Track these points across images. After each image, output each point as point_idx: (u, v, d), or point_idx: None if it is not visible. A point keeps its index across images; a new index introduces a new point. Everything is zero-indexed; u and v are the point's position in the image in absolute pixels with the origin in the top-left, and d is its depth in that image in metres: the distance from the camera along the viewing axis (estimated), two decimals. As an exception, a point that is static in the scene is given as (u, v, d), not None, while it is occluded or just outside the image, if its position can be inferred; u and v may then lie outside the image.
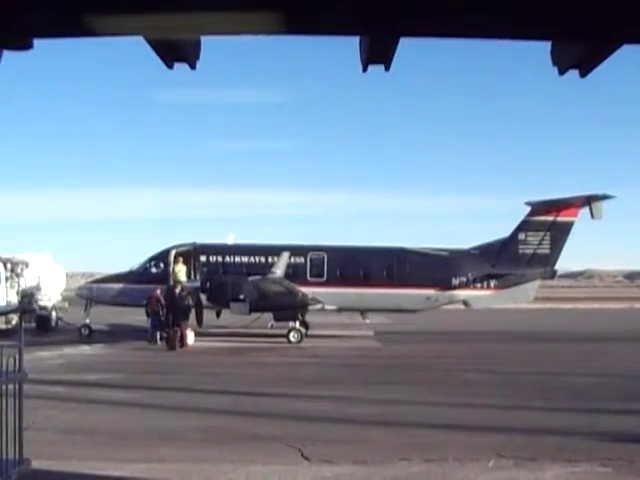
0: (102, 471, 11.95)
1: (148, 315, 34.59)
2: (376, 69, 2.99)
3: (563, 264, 40.14)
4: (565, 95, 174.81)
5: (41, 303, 40.54)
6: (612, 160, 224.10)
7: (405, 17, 2.51)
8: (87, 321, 37.20)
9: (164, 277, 35.72)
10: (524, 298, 39.62)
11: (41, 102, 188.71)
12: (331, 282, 36.72)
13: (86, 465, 12.21)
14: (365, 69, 2.99)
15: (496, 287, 37.59)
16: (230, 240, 39.61)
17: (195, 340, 34.48)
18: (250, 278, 34.24)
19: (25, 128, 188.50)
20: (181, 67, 3.00)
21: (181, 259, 36.79)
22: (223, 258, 37.61)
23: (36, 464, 10.87)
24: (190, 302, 34.33)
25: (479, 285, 37.50)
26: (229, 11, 2.50)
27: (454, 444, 14.09)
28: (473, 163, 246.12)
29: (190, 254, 37.30)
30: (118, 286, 37.05)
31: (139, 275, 37.10)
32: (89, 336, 36.31)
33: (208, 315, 36.81)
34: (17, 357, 10.38)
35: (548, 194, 40.21)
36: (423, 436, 14.92)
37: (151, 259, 37.55)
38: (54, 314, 41.75)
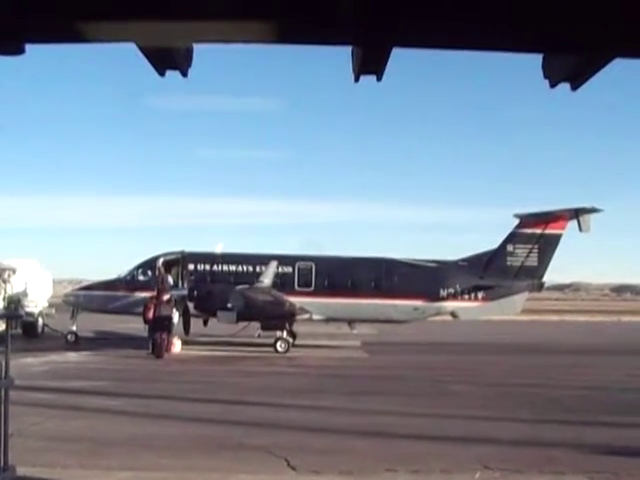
0: (87, 479, 11.91)
1: (146, 322, 34.16)
2: (368, 79, 2.99)
3: (550, 276, 40.28)
4: (555, 107, 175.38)
5: (28, 309, 40.26)
6: (601, 173, 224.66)
7: (398, 28, 2.52)
8: (73, 328, 37.02)
9: (152, 285, 35.59)
10: (512, 310, 39.67)
11: (27, 105, 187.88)
12: (319, 292, 36.69)
13: (71, 473, 12.18)
14: (357, 79, 2.99)
15: (484, 299, 37.61)
16: (218, 249, 39.55)
17: (182, 348, 34.44)
18: (238, 287, 34.17)
19: (13, 133, 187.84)
20: (173, 74, 3.00)
21: (169, 267, 36.76)
22: (211, 267, 37.55)
23: (21, 471, 10.81)
24: (175, 310, 34.32)
25: (467, 296, 37.52)
26: (221, 19, 2.50)
27: (440, 455, 14.10)
28: (463, 174, 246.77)
29: (178, 262, 37.26)
30: (105, 293, 36.93)
31: (126, 283, 37.01)
32: (75, 343, 36.15)
33: (195, 323, 36.74)
34: (3, 363, 10.33)
35: (537, 206, 40.36)
36: (409, 447, 14.91)
37: (139, 267, 37.45)
38: (40, 320, 41.57)
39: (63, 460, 13.03)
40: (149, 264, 37.12)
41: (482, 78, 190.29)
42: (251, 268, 37.09)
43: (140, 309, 34.76)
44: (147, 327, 33.80)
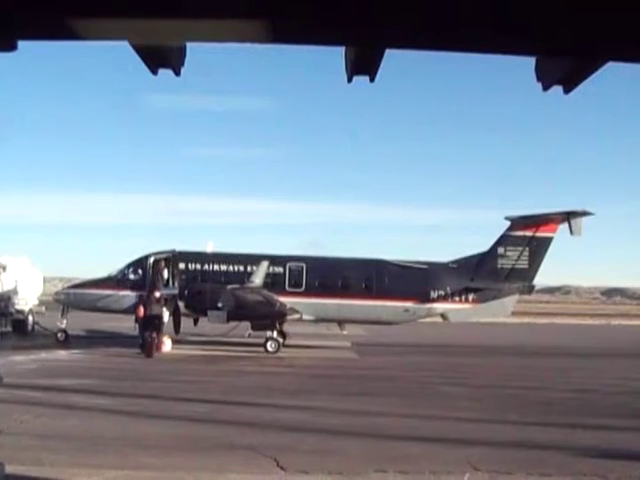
0: (76, 477, 11.89)
1: (137, 321, 34.05)
2: (361, 79, 2.99)
3: (540, 279, 40.28)
4: (548, 109, 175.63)
5: (18, 307, 40.24)
6: (593, 177, 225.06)
7: (391, 30, 2.52)
8: (63, 326, 36.94)
9: (142, 284, 35.56)
10: (502, 312, 39.73)
11: (18, 102, 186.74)
12: (310, 292, 36.68)
13: (60, 471, 12.14)
14: (350, 80, 2.99)
15: (474, 301, 37.61)
16: (209, 248, 39.52)
17: (172, 348, 34.39)
18: (229, 287, 34.15)
19: (6, 129, 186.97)
20: (166, 73, 3.00)
21: (160, 266, 36.69)
22: (202, 266, 37.49)
23: (10, 469, 10.76)
24: (166, 309, 34.29)
25: (457, 298, 37.51)
26: (215, 18, 2.49)
27: (430, 456, 14.12)
28: (456, 176, 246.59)
29: (169, 261, 37.17)
30: (96, 292, 36.80)
31: (117, 281, 36.92)
32: (65, 341, 36.07)
33: (186, 323, 36.69)
34: (-7, 361, 10.31)
35: (528, 209, 40.38)
36: (399, 448, 14.92)
37: (129, 265, 37.36)
38: (31, 318, 41.45)
39: (52, 458, 13.01)
40: (140, 263, 37.04)
41: (475, 80, 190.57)
42: (242, 268, 37.06)
43: (130, 308, 34.76)
44: (138, 325, 33.76)
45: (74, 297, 37.27)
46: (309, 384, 24.86)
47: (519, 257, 37.84)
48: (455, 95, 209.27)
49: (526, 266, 38.01)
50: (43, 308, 43.35)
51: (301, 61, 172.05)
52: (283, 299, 35.54)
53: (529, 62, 2.80)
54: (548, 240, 38.10)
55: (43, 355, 30.89)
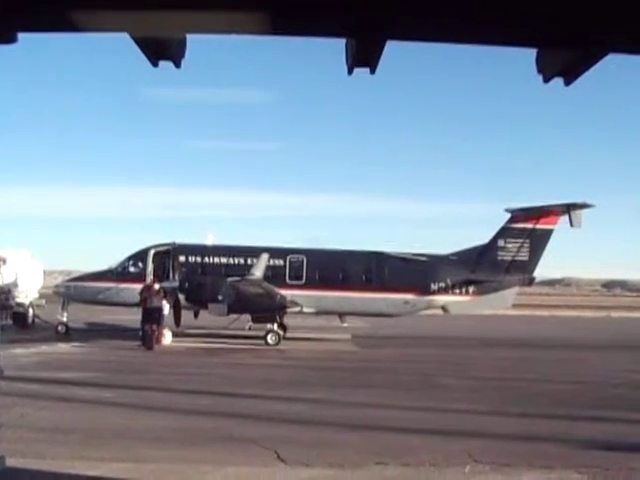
0: (77, 470, 11.89)
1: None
2: (362, 71, 2.98)
3: (541, 271, 40.25)
4: (549, 102, 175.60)
5: (18, 300, 40.23)
6: (593, 169, 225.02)
7: (392, 21, 2.51)
8: (64, 319, 36.98)
9: (143, 276, 35.57)
10: (502, 305, 39.71)
11: (19, 94, 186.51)
12: (310, 285, 36.66)
13: (61, 464, 12.14)
14: (350, 72, 2.98)
15: (475, 293, 37.58)
16: (209, 240, 39.48)
17: (172, 340, 34.39)
18: (229, 279, 34.13)
19: (3, 121, 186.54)
20: (166, 65, 2.99)
21: (160, 259, 36.69)
22: (202, 258, 37.45)
23: (10, 462, 10.76)
24: (166, 302, 34.29)
25: (458, 291, 37.48)
26: (216, 10, 2.49)
27: (430, 449, 14.13)
28: (457, 168, 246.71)
29: (169, 254, 37.15)
30: (96, 285, 36.79)
31: (117, 274, 36.92)
32: (66, 334, 36.09)
33: (186, 315, 36.69)
34: (-7, 354, 10.30)
35: (529, 201, 40.33)
36: (399, 440, 14.94)
37: (130, 258, 37.35)
38: (31, 311, 41.44)
39: (53, 451, 13.02)
40: (140, 256, 37.04)
41: (476, 72, 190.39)
42: (242, 260, 37.02)
43: (130, 300, 34.78)
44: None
45: (74, 290, 37.26)
46: (309, 376, 24.86)
47: (519, 249, 37.81)
48: (455, 87, 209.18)
49: (526, 258, 37.99)
50: (43, 301, 43.31)
51: (301, 53, 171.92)
52: (283, 292, 35.53)
53: (530, 54, 2.80)
54: (548, 232, 38.07)
55: (43, 348, 30.89)
